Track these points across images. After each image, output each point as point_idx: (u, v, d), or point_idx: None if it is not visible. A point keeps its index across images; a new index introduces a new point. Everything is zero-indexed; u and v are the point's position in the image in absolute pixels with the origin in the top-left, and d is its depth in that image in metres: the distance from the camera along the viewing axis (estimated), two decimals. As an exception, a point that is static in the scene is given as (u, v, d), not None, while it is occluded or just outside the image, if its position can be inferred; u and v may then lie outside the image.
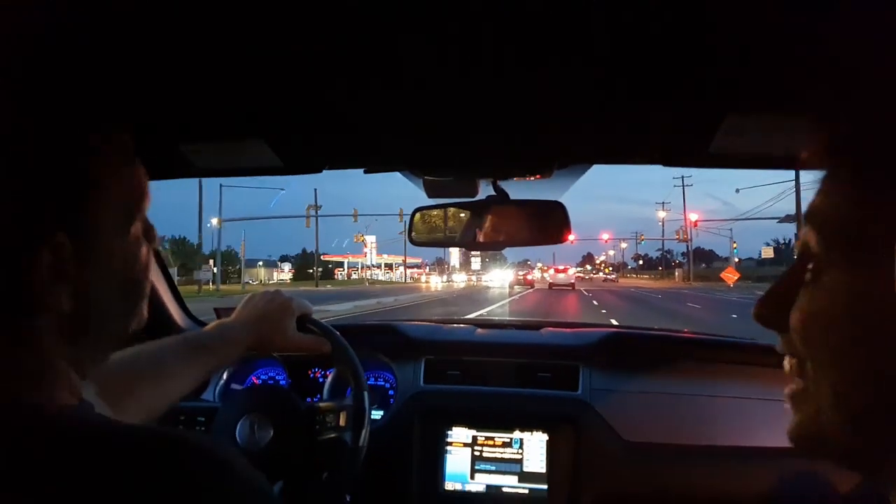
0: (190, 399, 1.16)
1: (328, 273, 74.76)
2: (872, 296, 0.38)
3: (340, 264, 79.84)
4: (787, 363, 0.45)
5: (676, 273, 63.69)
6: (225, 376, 1.44)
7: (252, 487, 0.45)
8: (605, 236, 69.09)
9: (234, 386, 1.44)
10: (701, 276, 60.28)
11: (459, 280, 63.31)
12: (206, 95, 0.82)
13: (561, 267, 45.15)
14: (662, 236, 63.14)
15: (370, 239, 69.09)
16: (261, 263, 75.95)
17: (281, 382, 1.49)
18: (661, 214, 61.56)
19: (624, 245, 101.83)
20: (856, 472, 0.43)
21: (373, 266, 77.87)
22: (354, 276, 75.68)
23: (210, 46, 0.66)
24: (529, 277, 42.83)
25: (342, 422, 1.10)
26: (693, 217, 46.10)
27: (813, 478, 1.15)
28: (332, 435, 1.09)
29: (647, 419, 1.35)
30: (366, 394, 1.11)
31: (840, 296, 0.40)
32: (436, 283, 56.74)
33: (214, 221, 34.95)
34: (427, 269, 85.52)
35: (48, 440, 0.41)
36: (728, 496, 1.25)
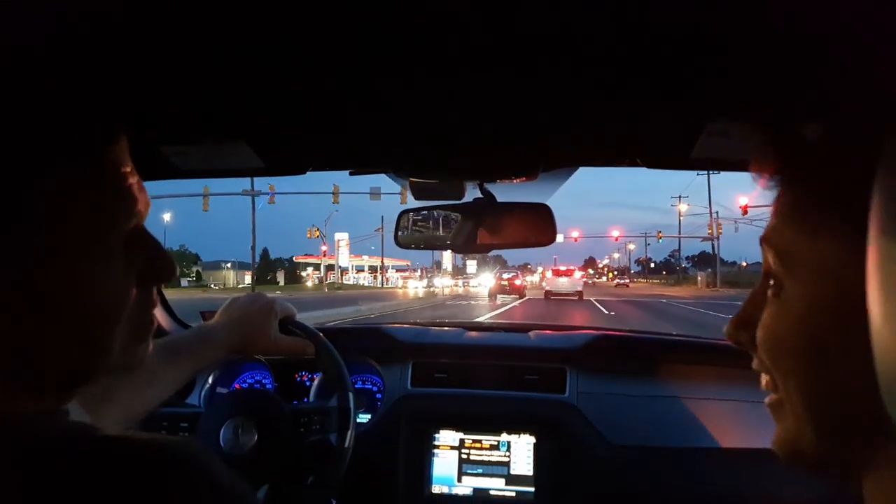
0: (175, 402, 1.16)
1: (293, 277, 66.02)
2: (824, 312, 0.39)
3: (316, 266, 66.70)
4: (763, 379, 0.46)
5: (699, 278, 52.70)
6: (210, 380, 1.44)
7: (228, 492, 0.44)
8: (616, 233, 55.26)
9: (220, 390, 1.44)
10: (729, 281, 47.79)
11: (442, 285, 49.92)
12: (189, 97, 0.82)
13: (563, 268, 30.24)
14: (679, 233, 54.92)
15: (341, 237, 59.44)
16: (228, 265, 68.44)
17: (267, 386, 1.49)
18: (683, 208, 51.71)
19: (632, 247, 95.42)
20: (831, 479, 0.44)
21: (341, 267, 64.80)
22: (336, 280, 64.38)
23: (192, 48, 0.66)
24: (517, 283, 28.52)
25: (327, 423, 1.09)
26: (743, 201, 32.09)
27: (796, 480, 1.14)
28: (318, 437, 1.08)
29: (633, 422, 1.35)
30: (350, 394, 1.11)
31: (795, 313, 0.41)
32: (414, 289, 45.60)
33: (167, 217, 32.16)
34: (415, 273, 72.71)
35: (21, 447, 0.40)
36: (712, 498, 1.24)
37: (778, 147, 0.45)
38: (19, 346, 0.43)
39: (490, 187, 1.19)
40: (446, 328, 1.76)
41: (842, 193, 0.38)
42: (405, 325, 1.73)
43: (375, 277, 64.72)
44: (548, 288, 29.41)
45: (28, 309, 0.42)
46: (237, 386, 1.51)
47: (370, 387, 1.50)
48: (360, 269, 71.79)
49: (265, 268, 65.51)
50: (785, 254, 0.42)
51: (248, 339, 1.03)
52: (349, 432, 1.08)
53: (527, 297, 27.91)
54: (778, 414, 0.44)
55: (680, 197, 55.41)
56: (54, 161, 0.44)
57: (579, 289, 28.30)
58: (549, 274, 32.08)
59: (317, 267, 63.29)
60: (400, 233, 1.26)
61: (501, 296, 27.45)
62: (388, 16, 0.59)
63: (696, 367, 1.45)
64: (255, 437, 1.05)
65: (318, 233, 43.19)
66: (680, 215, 55.03)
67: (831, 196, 0.39)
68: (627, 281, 70.34)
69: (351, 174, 1.21)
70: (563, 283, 28.10)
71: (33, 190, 0.42)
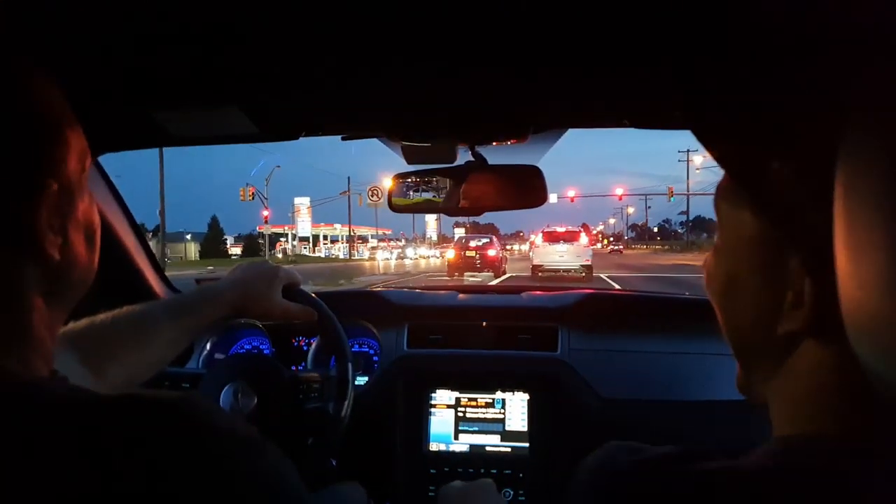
0: (174, 367, 1.19)
1: (253, 249, 55.90)
2: (737, 260, 0.47)
3: (282, 236, 57.06)
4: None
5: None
6: (209, 346, 1.47)
7: (230, 437, 0.45)
8: (620, 191, 45.60)
9: (218, 356, 1.47)
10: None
11: (417, 256, 44.06)
12: (180, 62, 0.82)
13: (561, 229, 20.00)
14: (688, 190, 49.63)
15: (301, 202, 49.51)
16: (189, 236, 61.79)
17: (265, 351, 1.52)
18: (697, 160, 45.49)
19: (631, 210, 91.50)
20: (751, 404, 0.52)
21: (301, 237, 55.65)
22: (318, 252, 56.54)
23: (184, 11, 0.67)
24: (491, 253, 19.73)
25: (326, 392, 1.12)
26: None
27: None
28: (316, 405, 1.11)
29: (624, 376, 1.39)
30: (349, 365, 1.13)
31: (723, 259, 0.50)
32: (384, 260, 39.66)
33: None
34: (390, 243, 60.86)
35: (21, 411, 0.41)
36: (702, 447, 1.29)
37: (702, 123, 0.48)
38: None
39: (481, 150, 1.20)
40: (440, 291, 1.79)
41: (753, 171, 0.42)
42: (401, 289, 1.76)
43: (353, 248, 54.35)
44: (537, 261, 19.02)
45: None
46: (238, 350, 1.53)
47: (367, 349, 1.53)
48: (335, 240, 61.79)
49: (214, 239, 57.99)
50: (719, 212, 0.49)
51: (252, 300, 1.03)
52: (346, 402, 1.10)
53: (508, 275, 19.95)
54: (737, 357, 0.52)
55: (688, 151, 51.16)
56: None
57: (587, 261, 18.15)
58: (538, 240, 19.80)
59: (282, 237, 53.94)
60: (394, 197, 1.28)
61: (470, 274, 18.94)
62: None
63: (682, 324, 1.48)
64: (255, 401, 1.07)
65: (252, 193, 32.52)
66: (693, 170, 50.74)
67: (744, 171, 0.44)
68: (621, 247, 67.13)
69: (343, 139, 1.22)
70: (562, 253, 18.44)
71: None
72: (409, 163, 1.29)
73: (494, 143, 1.18)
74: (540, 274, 18.72)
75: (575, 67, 0.86)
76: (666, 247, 70.78)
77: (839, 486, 0.36)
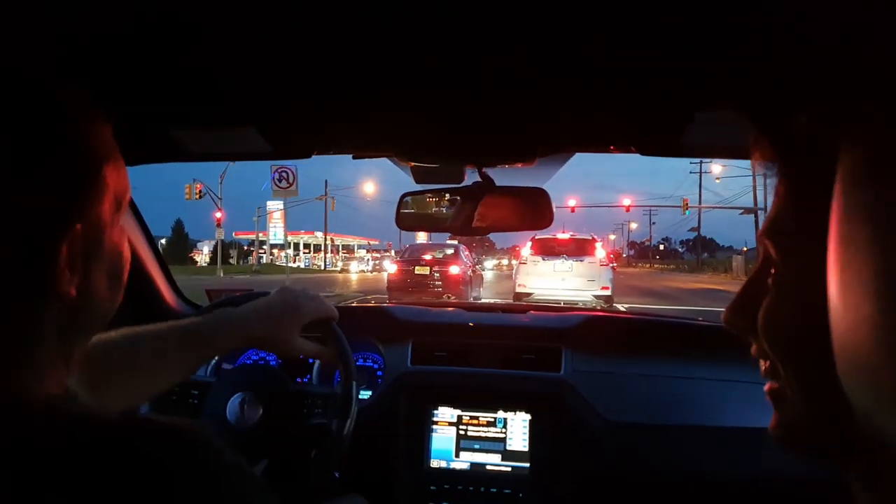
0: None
1: (224, 256, 47.19)
2: (820, 298, 0.38)
3: (257, 243, 47.42)
4: (762, 365, 0.47)
5: (735, 262, 36.26)
6: (216, 357, 1.48)
7: (235, 474, 0.45)
8: (627, 202, 39.32)
9: (226, 366, 1.48)
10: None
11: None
12: (199, 82, 0.85)
13: (565, 236, 12.79)
14: (700, 203, 43.52)
15: (274, 205, 42.71)
16: (163, 241, 57.97)
17: (271, 363, 1.53)
18: (716, 169, 38.03)
19: (634, 225, 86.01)
20: (825, 465, 0.44)
21: (275, 245, 49.36)
22: (298, 263, 48.74)
23: (202, 33, 0.69)
24: (454, 271, 12.62)
25: (330, 409, 1.13)
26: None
27: (781, 457, 1.19)
28: (319, 421, 1.12)
29: (627, 399, 1.39)
30: (354, 384, 1.15)
31: (795, 302, 0.42)
32: (358, 272, 36.61)
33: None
34: (373, 255, 51.41)
35: (36, 430, 0.41)
36: (702, 473, 1.30)
37: (772, 136, 0.44)
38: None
39: (489, 172, 1.22)
40: (446, 308, 1.80)
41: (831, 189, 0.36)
42: (406, 305, 1.77)
43: (336, 257, 49.91)
44: (522, 285, 12.10)
45: None
46: (243, 363, 1.55)
47: (371, 364, 1.54)
48: (318, 249, 55.30)
49: (178, 244, 55.17)
50: (784, 245, 0.42)
51: (269, 339, 0.99)
52: (349, 421, 1.11)
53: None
54: (777, 401, 0.45)
55: (700, 162, 43.69)
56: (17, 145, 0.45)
57: (604, 288, 11.60)
58: (526, 251, 12.67)
59: (256, 244, 46.64)
60: (402, 214, 1.30)
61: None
62: (390, 7, 0.62)
63: (687, 348, 1.50)
64: (260, 413, 1.09)
65: (199, 190, 26.16)
66: (712, 180, 44.72)
67: (825, 191, 0.37)
68: (615, 265, 62.87)
69: (354, 158, 1.24)
70: (564, 274, 11.75)
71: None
72: (417, 182, 1.31)
73: (502, 166, 1.20)
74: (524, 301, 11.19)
75: (584, 94, 0.88)
76: (671, 266, 63.19)
77: None
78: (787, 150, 0.43)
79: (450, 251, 13.93)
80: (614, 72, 0.77)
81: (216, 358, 1.48)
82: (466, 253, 14.77)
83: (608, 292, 11.41)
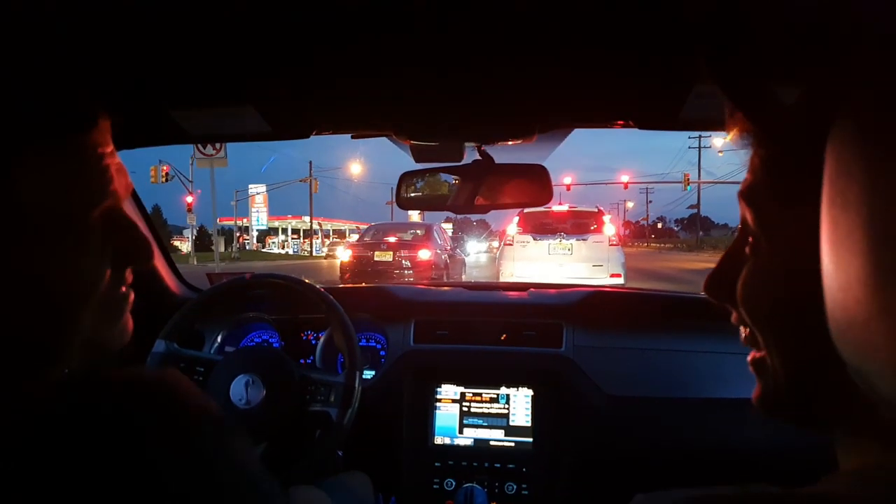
0: (190, 350, 1.22)
1: (205, 244, 45.49)
2: (798, 273, 0.40)
3: (241, 229, 46.76)
4: (742, 333, 0.48)
5: None
6: (219, 339, 1.49)
7: (206, 418, 0.45)
8: (626, 178, 37.27)
9: (228, 349, 1.49)
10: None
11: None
12: (197, 62, 0.84)
13: (562, 208, 9.56)
14: (699, 178, 42.33)
15: (256, 189, 41.34)
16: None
17: (274, 345, 1.54)
18: (718, 143, 33.90)
19: (630, 204, 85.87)
20: (809, 431, 0.45)
21: (259, 230, 47.41)
22: (285, 248, 48.98)
23: (199, 11, 0.68)
24: (425, 255, 10.14)
25: (332, 398, 1.14)
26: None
27: (781, 428, 1.21)
28: (320, 408, 1.14)
29: (628, 374, 1.41)
30: (357, 374, 1.16)
31: (772, 271, 0.43)
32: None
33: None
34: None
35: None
36: (703, 444, 1.32)
37: (746, 108, 0.44)
38: None
39: (489, 149, 1.22)
40: (447, 288, 1.81)
41: (811, 155, 0.36)
42: (408, 285, 1.78)
43: (312, 243, 45.59)
44: (507, 273, 8.99)
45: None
46: (245, 345, 1.56)
47: (374, 344, 1.55)
48: (309, 234, 49.72)
49: (152, 231, 51.46)
50: (761, 213, 0.43)
51: None
52: (350, 410, 1.13)
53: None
54: (758, 370, 0.46)
55: (700, 136, 42.00)
56: (30, 141, 0.44)
57: (615, 275, 8.60)
58: (512, 229, 9.23)
59: (235, 230, 43.68)
60: (402, 194, 1.30)
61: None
62: None
63: (685, 322, 1.51)
64: (264, 394, 1.10)
65: (166, 173, 23.41)
66: (714, 153, 39.60)
67: (801, 157, 0.39)
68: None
69: (353, 138, 1.24)
70: (562, 259, 8.79)
71: (8, 169, 0.43)
72: (417, 161, 1.31)
73: (501, 143, 1.20)
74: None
75: (581, 68, 0.88)
76: (669, 245, 60.05)
77: None
78: (760, 122, 0.43)
79: (420, 231, 11.51)
80: (612, 43, 0.77)
81: (219, 339, 1.49)
82: (443, 234, 12.36)
83: (620, 280, 8.47)
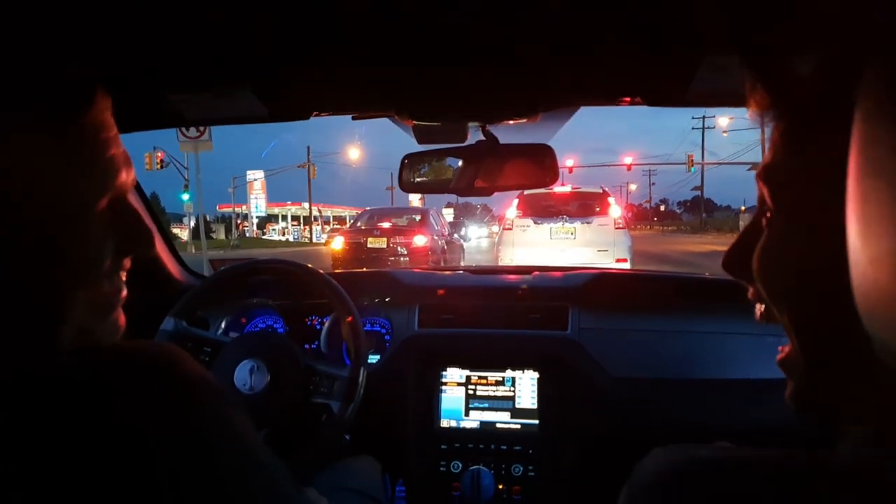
0: (198, 330, 1.22)
1: (206, 231, 38.03)
2: (813, 244, 0.40)
3: (241, 216, 46.47)
4: (757, 309, 0.48)
5: (742, 221, 29.27)
6: (223, 325, 1.49)
7: (202, 387, 0.45)
8: (629, 160, 35.21)
9: (233, 334, 1.48)
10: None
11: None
12: (194, 44, 0.83)
13: (565, 189, 8.98)
14: (703, 159, 41.06)
15: (255, 176, 40.43)
16: None
17: (279, 330, 1.53)
18: (722, 123, 34.06)
19: (633, 187, 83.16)
20: (812, 416, 0.45)
21: (259, 217, 46.64)
22: (284, 236, 47.30)
23: None
24: (420, 241, 9.85)
25: (335, 390, 1.14)
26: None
27: (785, 410, 1.21)
28: (323, 400, 1.13)
29: (634, 355, 1.40)
30: (362, 368, 1.16)
31: (786, 242, 0.42)
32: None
33: None
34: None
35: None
36: (708, 425, 1.31)
37: (768, 80, 0.44)
38: None
39: (493, 130, 1.20)
40: (451, 272, 1.80)
41: (832, 128, 0.36)
42: (412, 270, 1.77)
43: (327, 228, 42.86)
44: (505, 259, 8.53)
45: None
46: (250, 331, 1.55)
47: (379, 329, 1.55)
48: (309, 220, 46.95)
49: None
50: (778, 188, 0.43)
51: None
52: (352, 404, 1.13)
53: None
54: (788, 369, 0.46)
55: (703, 117, 41.93)
56: (32, 126, 0.44)
57: (622, 259, 8.11)
58: (512, 213, 8.72)
59: (233, 217, 42.15)
60: (404, 177, 1.28)
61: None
62: None
63: (691, 303, 1.50)
64: (267, 380, 1.09)
65: (160, 160, 22.63)
66: (719, 133, 40.01)
67: (822, 130, 0.39)
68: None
69: (353, 119, 1.22)
70: (565, 244, 8.32)
71: (10, 154, 0.42)
72: (419, 143, 1.29)
73: (505, 123, 1.18)
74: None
75: (587, 43, 0.86)
76: (672, 227, 58.61)
77: None
78: (782, 95, 0.43)
79: (416, 216, 11.10)
80: (618, 16, 0.75)
81: (223, 325, 1.48)
82: (440, 219, 11.82)
83: (626, 265, 7.96)
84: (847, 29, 0.43)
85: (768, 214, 0.44)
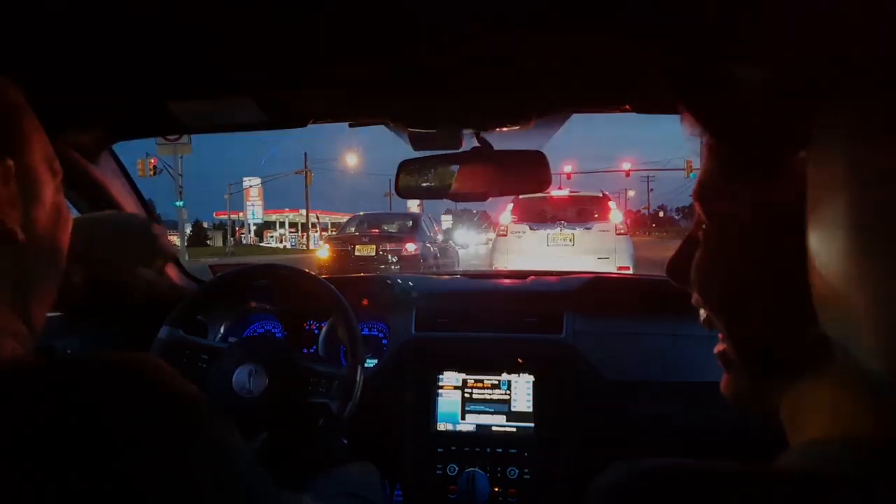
0: (196, 337, 1.23)
1: (200, 238, 48.73)
2: (741, 254, 0.42)
3: (236, 224, 44.13)
4: (701, 315, 0.50)
5: None
6: (222, 329, 1.50)
7: (182, 400, 0.45)
8: (627, 165, 36.24)
9: (231, 339, 1.50)
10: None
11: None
12: (194, 53, 0.84)
13: (563, 193, 8.78)
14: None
15: (251, 182, 40.08)
16: None
17: (277, 334, 1.55)
18: None
19: (632, 193, 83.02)
20: (757, 414, 0.47)
21: (255, 224, 46.17)
22: (280, 243, 48.07)
23: (196, 3, 0.68)
24: (411, 248, 9.47)
25: (333, 390, 1.15)
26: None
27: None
28: (321, 400, 1.14)
29: (629, 358, 1.42)
30: (360, 367, 1.17)
31: (718, 255, 0.45)
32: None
33: None
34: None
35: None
36: (703, 428, 1.32)
37: (694, 112, 0.45)
38: None
39: (487, 136, 1.22)
40: (448, 276, 1.82)
41: (770, 157, 0.38)
42: (409, 274, 1.79)
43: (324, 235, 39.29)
44: (505, 265, 7.77)
45: None
46: (248, 335, 1.56)
47: (376, 332, 1.56)
48: (306, 227, 44.77)
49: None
50: (709, 205, 0.45)
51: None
52: (350, 404, 1.14)
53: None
54: (725, 362, 0.48)
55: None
56: None
57: (625, 268, 7.51)
58: (506, 218, 8.19)
59: (229, 224, 40.88)
60: (401, 183, 1.30)
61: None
62: None
63: (685, 307, 1.51)
64: (266, 384, 1.11)
65: (153, 166, 22.58)
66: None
67: (758, 160, 0.40)
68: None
69: (351, 126, 1.24)
70: (563, 249, 7.79)
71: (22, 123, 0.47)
72: (415, 149, 1.31)
73: (499, 130, 1.20)
74: None
75: (578, 51, 0.88)
76: (671, 234, 57.35)
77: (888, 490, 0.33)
78: (711, 123, 0.44)
79: (408, 222, 10.59)
80: (608, 26, 0.77)
81: (222, 330, 1.49)
82: (433, 225, 11.41)
83: (628, 270, 7.47)
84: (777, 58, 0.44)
85: (703, 226, 0.46)
